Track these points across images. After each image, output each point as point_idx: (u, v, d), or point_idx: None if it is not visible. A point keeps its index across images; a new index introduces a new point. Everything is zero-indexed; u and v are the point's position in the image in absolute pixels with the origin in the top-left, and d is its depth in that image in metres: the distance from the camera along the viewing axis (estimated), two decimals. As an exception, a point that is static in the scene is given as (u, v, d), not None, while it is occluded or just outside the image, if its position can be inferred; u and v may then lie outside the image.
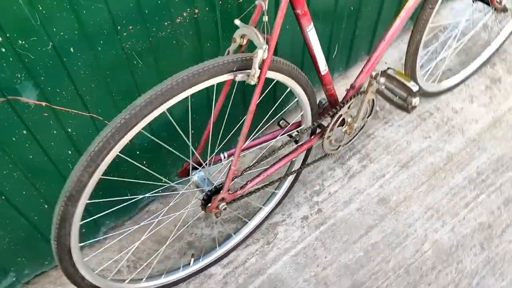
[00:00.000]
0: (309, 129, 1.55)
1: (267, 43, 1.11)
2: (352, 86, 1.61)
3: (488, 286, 1.71)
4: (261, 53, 1.12)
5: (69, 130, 1.29)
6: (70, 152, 1.36)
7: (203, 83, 1.11)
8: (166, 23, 1.25)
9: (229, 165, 1.32)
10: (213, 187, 1.39)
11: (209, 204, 1.37)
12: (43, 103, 1.16)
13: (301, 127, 1.56)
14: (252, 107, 1.20)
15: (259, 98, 1.20)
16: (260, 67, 1.15)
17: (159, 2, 1.18)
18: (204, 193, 1.39)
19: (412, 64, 1.81)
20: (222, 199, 1.38)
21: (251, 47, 1.18)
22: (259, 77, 1.16)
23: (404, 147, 2.09)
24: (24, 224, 1.44)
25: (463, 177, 1.99)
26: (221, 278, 1.76)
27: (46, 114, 1.20)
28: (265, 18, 1.10)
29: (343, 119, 1.61)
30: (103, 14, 1.10)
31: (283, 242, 1.84)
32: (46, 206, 1.45)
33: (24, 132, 1.19)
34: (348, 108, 1.57)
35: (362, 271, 1.76)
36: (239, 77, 1.15)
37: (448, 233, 1.84)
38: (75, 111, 1.25)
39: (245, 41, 1.19)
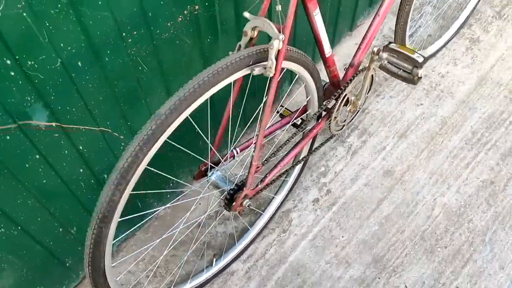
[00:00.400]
0: (317, 114, 1.54)
1: (281, 32, 1.09)
2: (351, 65, 1.60)
3: (500, 240, 1.78)
4: (277, 44, 1.09)
5: (80, 147, 1.23)
6: (81, 170, 1.29)
7: (223, 82, 1.08)
8: (168, 24, 1.19)
9: (249, 160, 1.29)
10: (234, 185, 1.36)
11: (233, 203, 1.34)
12: (54, 124, 1.10)
13: (308, 112, 1.55)
14: (270, 98, 1.18)
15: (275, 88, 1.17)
16: (276, 58, 1.12)
17: (161, 2, 1.12)
18: (225, 193, 1.36)
19: (402, 35, 1.82)
20: (245, 196, 1.36)
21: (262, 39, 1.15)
22: (275, 68, 1.13)
23: (399, 117, 2.11)
24: (40, 251, 1.38)
25: (460, 138, 2.04)
26: (243, 274, 1.74)
27: (57, 135, 1.13)
28: (279, 7, 1.07)
29: (347, 98, 1.61)
30: (109, 22, 1.03)
31: (298, 228, 1.84)
32: (60, 229, 1.39)
33: (37, 156, 1.12)
34: (352, 87, 1.57)
35: (380, 244, 1.79)
36: (256, 70, 1.12)
37: (454, 195, 1.89)
38: (86, 127, 1.19)
39: (256, 34, 1.16)
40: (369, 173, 1.97)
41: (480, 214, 1.84)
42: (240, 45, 1.17)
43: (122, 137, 1.35)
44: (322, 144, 1.73)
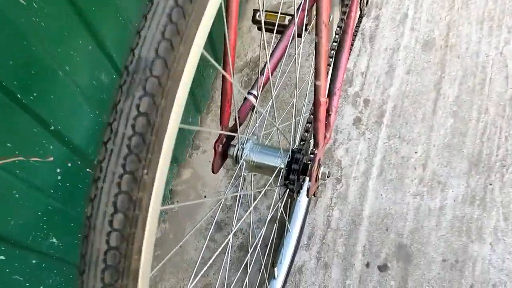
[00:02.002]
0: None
1: None
2: None
3: None
4: None
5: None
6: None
7: None
8: None
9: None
10: (290, 152, 0.74)
11: (307, 183, 0.72)
12: None
13: None
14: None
15: None
16: None
17: None
18: (281, 170, 0.74)
19: None
20: (319, 162, 0.74)
21: None
22: None
23: (404, -32, 1.51)
24: None
25: (489, -36, 1.49)
26: (315, 263, 1.17)
27: None
28: None
29: None
30: None
31: (354, 168, 1.27)
32: None
33: None
34: None
35: (468, 139, 1.26)
36: None
37: (521, 36, 1.37)
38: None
39: None
40: (404, 55, 1.39)
41: None
42: None
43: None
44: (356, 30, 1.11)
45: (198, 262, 0.68)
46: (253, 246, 1.16)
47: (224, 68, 0.64)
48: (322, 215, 1.22)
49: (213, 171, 0.77)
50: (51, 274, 0.79)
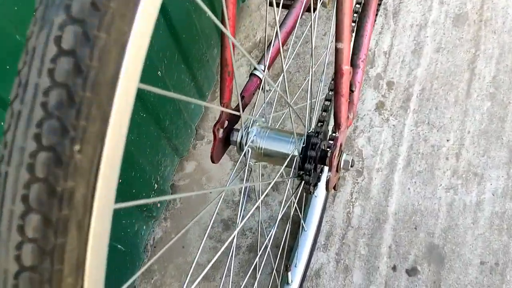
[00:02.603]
0: None
1: None
2: None
3: None
4: None
5: None
6: None
7: None
8: None
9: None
10: (305, 137, 0.60)
11: (327, 174, 0.59)
12: None
13: None
14: None
15: None
16: None
17: None
18: (295, 158, 0.61)
19: None
20: (341, 147, 0.61)
21: None
22: None
23: None
24: None
25: None
26: (334, 266, 1.04)
27: None
28: None
29: None
30: None
31: (377, 159, 1.12)
32: None
33: None
34: None
35: (507, 124, 1.11)
36: None
37: None
38: None
39: None
40: (433, 32, 1.24)
41: None
42: None
43: None
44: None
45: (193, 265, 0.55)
46: (263, 247, 1.03)
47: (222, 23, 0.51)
48: (341, 212, 1.08)
49: (212, 160, 0.65)
50: None
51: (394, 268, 1.02)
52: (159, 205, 1.03)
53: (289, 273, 0.93)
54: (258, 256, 0.78)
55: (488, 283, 0.98)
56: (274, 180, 0.58)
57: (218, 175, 1.17)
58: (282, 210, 0.66)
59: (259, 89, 0.70)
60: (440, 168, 1.09)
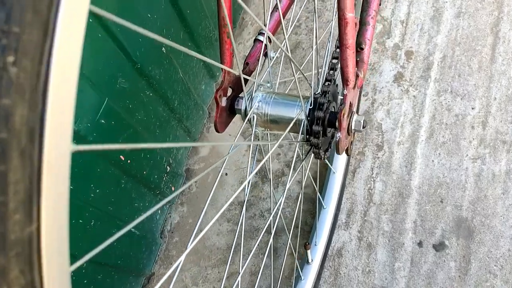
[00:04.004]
0: None
1: None
2: None
3: None
4: None
5: None
6: None
7: None
8: None
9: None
10: (312, 100, 0.56)
11: (338, 134, 0.55)
12: None
13: None
14: None
15: None
16: None
17: None
18: (303, 122, 0.57)
19: None
20: (351, 108, 0.57)
21: None
22: None
23: None
24: None
25: None
26: (356, 244, 1.00)
27: None
28: None
29: None
30: None
31: (398, 132, 1.07)
32: None
33: None
34: None
35: (537, 89, 1.04)
36: None
37: None
38: None
39: None
40: (452, -3, 1.18)
41: None
42: None
43: None
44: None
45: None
46: (274, 226, 1.00)
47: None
48: (362, 189, 1.04)
49: (216, 130, 0.62)
50: None
51: (420, 244, 0.97)
52: (173, 189, 1.01)
53: (309, 252, 0.89)
54: (272, 235, 0.74)
55: (523, 256, 0.92)
56: (281, 139, 0.55)
57: (233, 157, 1.14)
58: (291, 178, 0.62)
59: (264, 55, 0.66)
60: (465, 138, 1.03)
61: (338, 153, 0.56)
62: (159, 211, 0.99)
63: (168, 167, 0.96)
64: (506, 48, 1.09)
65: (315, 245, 0.94)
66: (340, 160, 1.01)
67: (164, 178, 0.96)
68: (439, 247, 0.96)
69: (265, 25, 0.65)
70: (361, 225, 1.01)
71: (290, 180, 0.61)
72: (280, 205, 0.66)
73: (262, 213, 1.08)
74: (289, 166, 1.11)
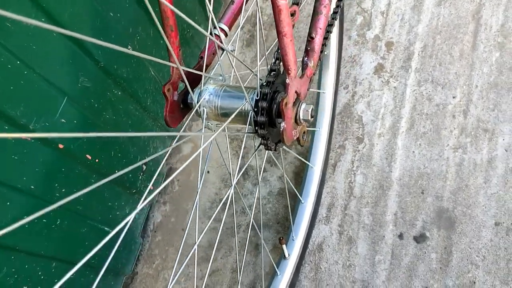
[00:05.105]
0: None
1: None
2: None
3: None
4: None
5: None
6: None
7: None
8: None
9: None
10: (260, 89, 0.56)
11: (282, 125, 0.54)
12: None
13: None
14: None
15: None
16: None
17: None
18: (249, 113, 0.57)
19: None
20: (298, 97, 0.56)
21: None
22: None
23: None
24: None
25: None
26: (337, 238, 0.99)
27: None
28: None
29: None
30: None
31: (378, 124, 1.06)
32: None
33: None
34: None
35: (519, 75, 1.02)
36: None
37: None
38: None
39: None
40: (432, -15, 1.16)
41: None
42: None
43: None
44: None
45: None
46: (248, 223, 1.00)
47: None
48: (342, 182, 1.03)
49: (167, 124, 0.61)
50: None
51: (400, 236, 0.95)
52: (152, 188, 1.01)
53: (284, 247, 0.89)
54: (245, 228, 0.74)
55: (505, 245, 0.90)
56: (220, 129, 0.54)
57: (216, 155, 1.14)
58: (237, 173, 0.61)
59: (220, 49, 0.66)
60: (446, 127, 1.01)
61: (284, 143, 0.55)
62: (139, 211, 0.99)
63: (143, 166, 0.96)
64: (487, 35, 1.07)
65: (293, 240, 0.93)
66: (318, 154, 1.00)
67: (140, 177, 0.96)
68: (420, 238, 0.94)
69: (219, 19, 0.65)
70: (341, 219, 1.00)
71: (236, 176, 0.60)
72: (229, 196, 0.66)
73: (243, 209, 1.07)
74: (270, 162, 1.10)
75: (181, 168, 0.47)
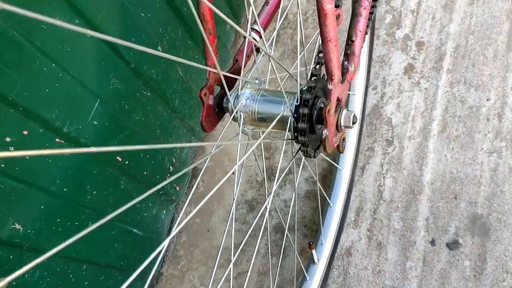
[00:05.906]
0: None
1: None
2: None
3: None
4: None
5: None
6: None
7: None
8: None
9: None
10: (299, 94, 0.54)
11: (325, 131, 0.53)
12: None
13: None
14: None
15: None
16: None
17: None
18: (290, 119, 0.55)
19: None
20: (339, 102, 0.54)
21: None
22: None
23: None
24: None
25: None
26: (366, 242, 0.97)
27: None
28: None
29: None
30: None
31: (408, 126, 1.03)
32: None
33: None
34: None
35: (557, 77, 0.98)
36: None
37: None
38: None
39: None
40: (465, -17, 1.12)
41: None
42: None
43: None
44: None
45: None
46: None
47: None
48: (371, 186, 1.01)
49: (203, 129, 0.60)
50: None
51: (432, 242, 0.93)
52: (178, 188, 1.01)
53: (314, 252, 0.87)
54: (267, 232, 0.72)
55: (543, 254, 0.87)
56: (263, 137, 0.53)
57: (241, 156, 1.13)
58: (278, 179, 0.60)
59: (255, 51, 0.64)
60: (480, 130, 0.99)
61: (325, 150, 0.54)
62: (164, 211, 0.99)
63: (171, 167, 0.95)
64: (523, 35, 1.03)
65: (321, 244, 0.91)
66: (347, 157, 0.98)
67: (167, 178, 0.95)
68: (453, 245, 0.92)
69: (255, 21, 0.64)
70: (370, 223, 0.98)
71: (276, 182, 0.59)
72: (268, 204, 0.65)
73: (269, 212, 1.06)
74: (298, 164, 1.08)
75: (222, 182, 0.46)
